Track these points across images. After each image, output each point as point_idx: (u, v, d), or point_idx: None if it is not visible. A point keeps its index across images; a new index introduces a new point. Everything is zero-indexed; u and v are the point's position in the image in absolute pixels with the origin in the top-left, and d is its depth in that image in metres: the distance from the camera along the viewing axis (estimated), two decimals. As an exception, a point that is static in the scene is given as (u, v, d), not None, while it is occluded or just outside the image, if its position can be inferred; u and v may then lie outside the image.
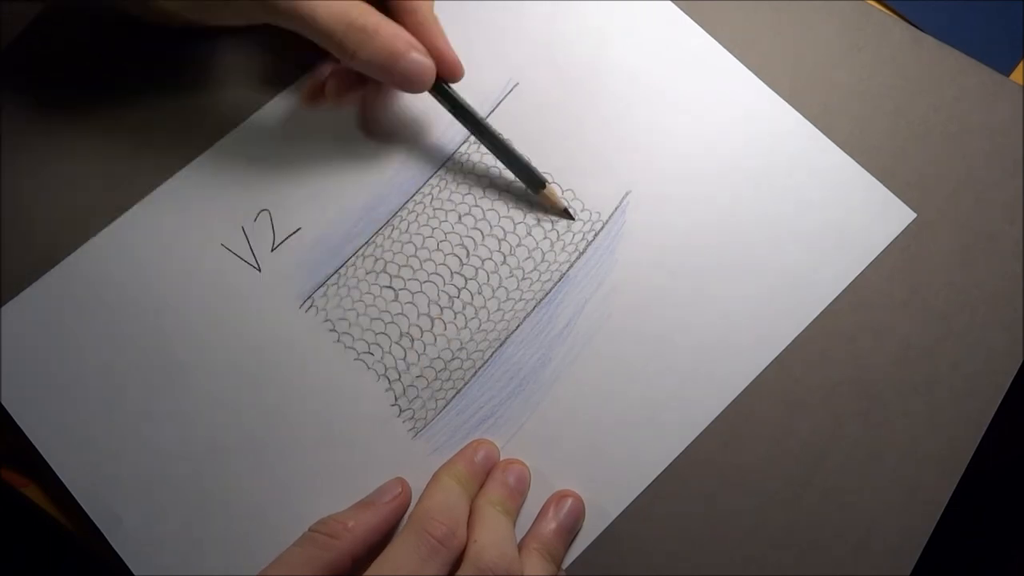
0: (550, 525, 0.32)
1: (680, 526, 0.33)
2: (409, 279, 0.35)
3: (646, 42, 0.38)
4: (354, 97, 0.36)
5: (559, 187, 0.36)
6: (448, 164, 0.37)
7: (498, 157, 0.36)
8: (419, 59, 0.32)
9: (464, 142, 0.37)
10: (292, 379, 0.34)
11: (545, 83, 0.38)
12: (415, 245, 0.36)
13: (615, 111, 0.37)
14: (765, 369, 0.34)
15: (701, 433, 0.33)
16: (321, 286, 0.35)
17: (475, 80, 0.38)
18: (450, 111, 0.35)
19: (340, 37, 0.30)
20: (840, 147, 0.37)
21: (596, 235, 0.36)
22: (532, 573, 0.30)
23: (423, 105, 0.37)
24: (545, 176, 0.36)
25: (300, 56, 0.37)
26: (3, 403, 0.33)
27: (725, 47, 0.38)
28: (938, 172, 0.37)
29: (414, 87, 0.33)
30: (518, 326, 0.35)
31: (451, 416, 0.34)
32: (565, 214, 0.36)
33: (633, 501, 0.33)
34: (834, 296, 0.35)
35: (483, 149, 0.37)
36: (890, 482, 0.33)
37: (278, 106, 0.37)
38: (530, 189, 0.36)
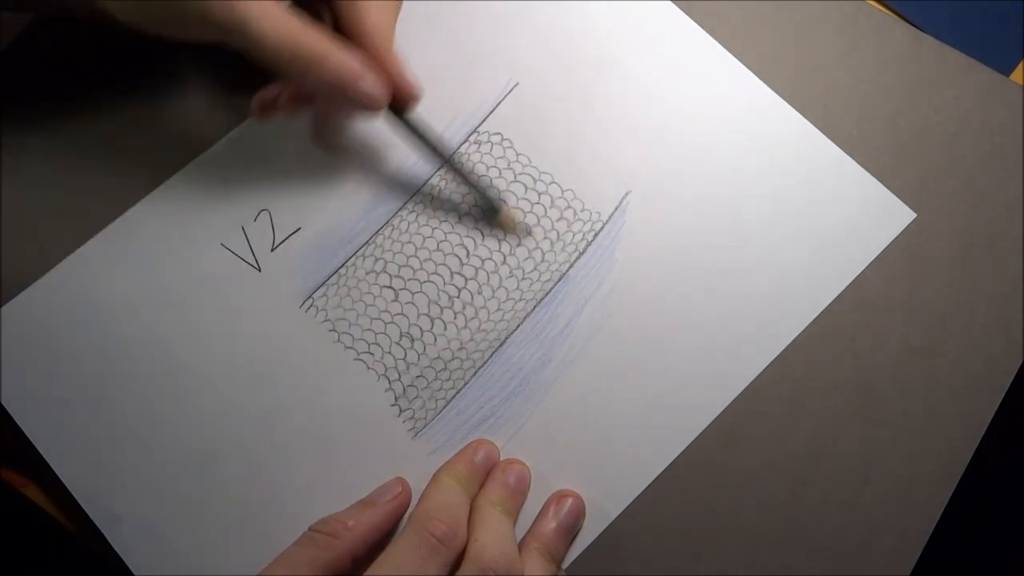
0: (550, 525, 0.32)
1: (680, 526, 0.33)
2: (409, 279, 0.35)
3: (646, 42, 0.38)
4: (307, 109, 0.35)
5: (518, 210, 0.36)
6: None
7: (458, 181, 0.35)
8: (370, 85, 0.31)
9: (464, 142, 0.37)
10: (292, 379, 0.34)
11: (545, 83, 0.38)
12: (415, 245, 0.36)
13: (615, 111, 0.37)
14: (765, 369, 0.34)
15: (701, 433, 0.33)
16: (321, 286, 0.35)
17: (475, 80, 0.38)
18: (405, 136, 0.34)
19: (288, 62, 0.30)
20: (840, 147, 0.37)
21: (596, 235, 0.36)
22: (532, 572, 0.30)
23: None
24: (502, 199, 0.35)
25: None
26: (3, 403, 0.33)
27: (725, 47, 0.38)
28: (938, 172, 0.37)
29: (365, 112, 0.32)
30: (518, 326, 0.35)
31: (451, 416, 0.34)
32: (525, 233, 0.35)
33: (633, 501, 0.33)
34: (834, 296, 0.35)
35: (483, 150, 0.37)
36: (890, 482, 0.33)
37: (278, 106, 0.37)
38: (487, 215, 0.35)
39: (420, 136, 0.34)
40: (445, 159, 0.35)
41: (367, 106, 0.32)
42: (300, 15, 0.30)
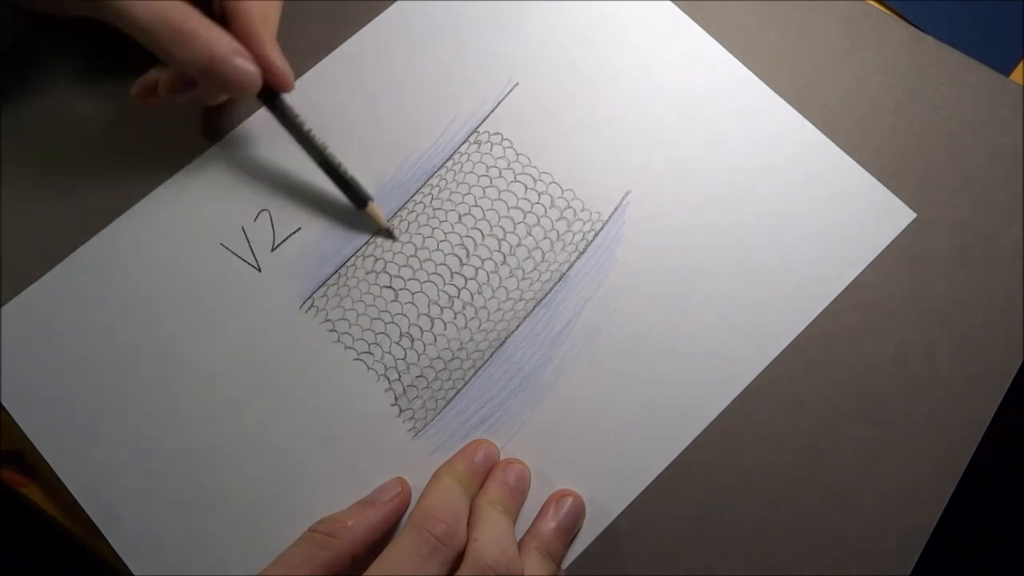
0: (550, 524, 0.32)
1: (680, 526, 0.33)
2: (409, 279, 0.35)
3: (646, 42, 0.38)
4: (189, 96, 0.34)
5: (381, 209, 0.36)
6: (448, 164, 0.37)
7: (325, 172, 0.35)
8: (241, 65, 0.31)
9: (464, 142, 0.37)
10: (292, 379, 0.34)
11: (545, 83, 0.38)
12: (415, 245, 0.36)
13: (615, 111, 0.37)
14: (765, 369, 0.34)
15: (701, 433, 0.33)
16: (321, 286, 0.35)
17: (475, 80, 0.38)
18: (279, 121, 0.34)
19: (155, 36, 0.30)
20: (840, 147, 0.37)
21: (596, 235, 0.36)
22: (532, 572, 0.30)
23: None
24: (369, 195, 0.35)
25: (299, 56, 0.37)
26: (3, 403, 0.33)
27: (725, 47, 0.38)
28: (938, 172, 0.37)
29: (237, 93, 0.32)
30: (518, 326, 0.35)
31: (451, 416, 0.34)
32: (388, 234, 0.36)
33: (633, 501, 0.33)
34: (834, 296, 0.35)
35: (483, 150, 0.37)
36: (890, 482, 0.33)
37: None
38: (354, 206, 0.35)
39: (291, 125, 0.34)
40: (317, 151, 0.35)
41: (238, 88, 0.31)
42: None
